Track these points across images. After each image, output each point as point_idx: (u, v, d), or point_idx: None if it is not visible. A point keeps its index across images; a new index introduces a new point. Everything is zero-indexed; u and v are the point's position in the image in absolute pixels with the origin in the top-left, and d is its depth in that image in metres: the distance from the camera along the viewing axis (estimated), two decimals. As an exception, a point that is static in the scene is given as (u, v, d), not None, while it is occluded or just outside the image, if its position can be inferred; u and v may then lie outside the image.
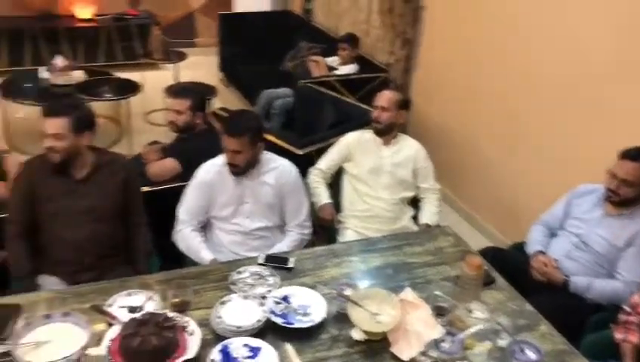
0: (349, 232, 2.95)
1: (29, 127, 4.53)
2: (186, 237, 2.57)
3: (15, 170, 2.72)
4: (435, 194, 3.06)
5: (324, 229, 3.02)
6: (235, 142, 2.43)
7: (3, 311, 1.92)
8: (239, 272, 2.19)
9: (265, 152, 2.61)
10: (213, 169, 2.59)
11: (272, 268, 2.23)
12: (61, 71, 4.64)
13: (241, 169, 2.51)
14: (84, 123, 2.34)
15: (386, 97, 3.00)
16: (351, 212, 3.01)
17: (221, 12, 6.13)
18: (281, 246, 2.58)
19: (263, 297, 2.03)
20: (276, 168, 2.61)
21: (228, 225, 2.62)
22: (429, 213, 2.99)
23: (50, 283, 2.38)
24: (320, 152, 3.26)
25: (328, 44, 5.18)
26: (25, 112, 4.52)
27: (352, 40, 4.81)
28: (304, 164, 3.05)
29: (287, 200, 2.62)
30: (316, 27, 5.86)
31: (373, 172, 2.99)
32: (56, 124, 2.27)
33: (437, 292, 2.05)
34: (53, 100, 2.70)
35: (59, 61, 4.74)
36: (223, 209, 2.60)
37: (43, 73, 4.67)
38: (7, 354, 1.71)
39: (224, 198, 2.58)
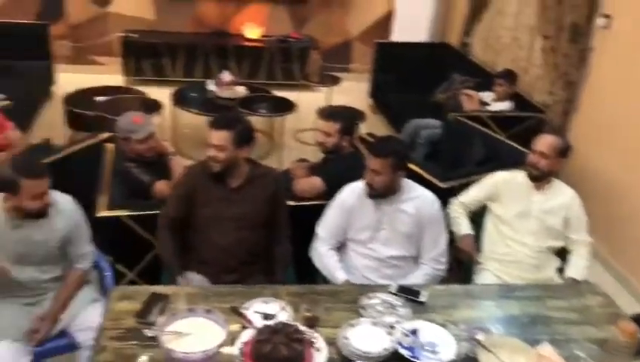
0: (487, 274, 2.82)
1: (193, 133, 4.95)
2: (322, 254, 2.63)
3: (178, 171, 2.98)
4: (585, 248, 2.84)
5: (460, 266, 2.93)
6: (378, 163, 2.45)
7: (153, 299, 2.11)
8: (370, 298, 2.20)
9: (407, 180, 2.59)
10: (355, 192, 2.61)
11: (404, 299, 2.20)
12: (226, 85, 5.02)
13: (378, 192, 2.51)
14: (245, 137, 2.51)
15: (546, 143, 2.80)
16: (491, 253, 2.89)
17: (378, 40, 6.26)
18: (414, 279, 2.54)
19: (392, 327, 2.02)
20: (417, 197, 2.58)
21: (363, 249, 2.63)
22: (577, 267, 2.77)
23: (195, 279, 2.56)
24: (463, 188, 3.17)
25: (483, 79, 5.07)
26: (191, 120, 4.93)
27: (509, 76, 4.66)
28: (445, 198, 2.99)
29: (425, 231, 2.58)
30: (472, 61, 5.76)
31: (520, 216, 2.83)
32: (220, 136, 2.45)
33: (580, 354, 1.91)
34: (220, 114, 2.92)
35: (225, 76, 5.14)
36: (360, 232, 2.62)
37: (210, 86, 5.09)
38: (153, 338, 1.87)
39: (362, 222, 2.60)
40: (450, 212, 2.96)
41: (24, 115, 4.67)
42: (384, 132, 5.48)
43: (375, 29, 6.90)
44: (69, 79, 5.96)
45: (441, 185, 3.30)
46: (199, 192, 2.56)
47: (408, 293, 2.24)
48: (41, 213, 2.27)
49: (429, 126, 4.76)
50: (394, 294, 2.23)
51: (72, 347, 2.39)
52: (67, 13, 6.30)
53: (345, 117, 3.18)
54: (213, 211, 2.55)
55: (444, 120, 4.52)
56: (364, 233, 2.61)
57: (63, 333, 2.39)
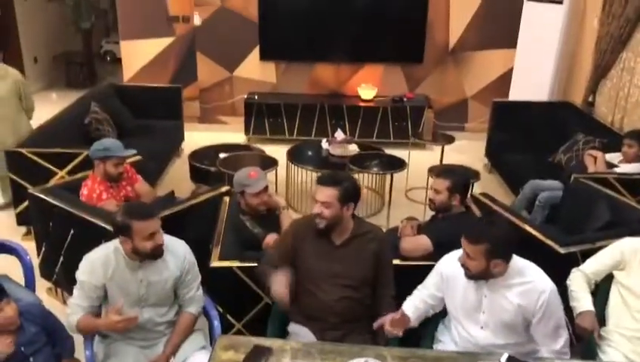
0: (614, 354, 2.53)
1: (306, 189, 5.10)
2: (404, 304, 2.53)
3: (287, 224, 3.06)
4: None
5: (580, 340, 2.68)
6: (470, 248, 2.25)
7: (257, 351, 2.14)
8: (478, 366, 2.07)
9: (517, 261, 2.33)
10: (452, 264, 2.44)
11: (515, 370, 2.05)
12: (339, 143, 5.15)
13: (472, 275, 2.32)
14: (351, 194, 2.53)
15: None
16: (617, 328, 2.61)
17: (496, 100, 6.15)
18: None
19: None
20: (524, 284, 2.30)
21: (460, 328, 2.46)
22: None
23: (300, 331, 2.58)
24: (585, 254, 2.94)
25: (609, 139, 4.76)
26: (305, 176, 5.09)
27: (640, 137, 4.34)
28: (564, 264, 2.79)
29: (537, 325, 2.31)
30: (597, 120, 5.45)
31: (651, 287, 2.56)
32: (327, 193, 2.50)
33: None
34: (327, 171, 2.99)
35: (338, 135, 5.29)
36: (456, 308, 2.46)
37: (324, 144, 5.25)
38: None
39: (458, 298, 2.43)
40: (570, 284, 2.67)
41: (156, 169, 5.09)
42: (499, 192, 5.30)
43: (492, 88, 6.80)
44: (196, 137, 6.44)
45: (561, 250, 3.09)
46: (304, 246, 2.60)
47: (520, 365, 2.09)
48: (156, 254, 2.42)
49: (549, 187, 4.52)
50: (504, 365, 2.08)
51: (180, 392, 2.47)
52: (199, 77, 6.86)
53: (455, 174, 3.13)
54: (317, 266, 2.57)
55: (565, 181, 4.28)
56: (460, 311, 2.44)
57: (172, 377, 2.49)
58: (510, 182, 5.40)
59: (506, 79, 6.59)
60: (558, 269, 2.48)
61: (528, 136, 5.61)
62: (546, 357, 2.28)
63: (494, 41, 6.67)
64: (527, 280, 2.31)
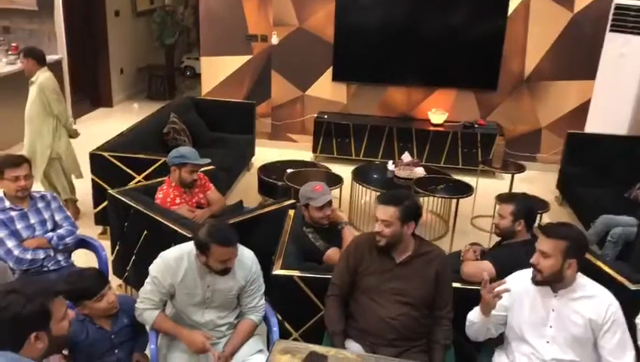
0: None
1: (368, 208, 5.13)
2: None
3: (349, 240, 3.10)
4: None
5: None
6: (548, 244, 2.30)
7: (312, 358, 2.19)
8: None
9: (583, 277, 2.37)
10: (520, 281, 2.46)
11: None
12: (406, 165, 5.16)
13: (544, 278, 2.33)
14: (411, 214, 2.56)
15: None
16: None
17: (570, 131, 5.98)
18: None
19: None
20: (591, 298, 2.32)
21: (523, 347, 2.43)
22: None
23: (353, 348, 2.60)
24: (658, 293, 2.83)
25: (692, 177, 4.54)
26: (368, 196, 5.13)
27: None
28: (636, 301, 2.68)
29: (604, 339, 2.29)
30: (679, 157, 5.20)
31: None
32: (387, 212, 2.54)
33: None
34: (389, 190, 3.03)
35: (405, 157, 5.30)
36: (521, 325, 2.42)
37: (390, 165, 5.28)
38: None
39: (524, 314, 2.42)
40: (639, 323, 2.61)
41: (227, 179, 5.27)
42: (569, 226, 5.13)
43: (568, 119, 6.61)
44: (265, 152, 6.62)
45: (632, 287, 2.97)
46: (364, 263, 2.64)
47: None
48: (224, 273, 2.52)
49: (623, 223, 4.35)
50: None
51: (236, 393, 2.55)
52: (272, 94, 7.07)
53: (520, 201, 3.08)
54: (377, 282, 2.60)
55: (640, 218, 4.11)
56: (526, 327, 2.41)
57: (229, 378, 2.57)
58: (582, 215, 5.22)
59: (582, 111, 6.41)
60: (629, 307, 2.40)
61: (603, 170, 5.41)
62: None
63: (572, 71, 6.51)
64: (592, 293, 2.33)
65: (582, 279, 2.36)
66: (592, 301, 2.32)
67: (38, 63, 4.64)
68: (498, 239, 3.19)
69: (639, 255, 3.81)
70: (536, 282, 2.35)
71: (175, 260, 2.55)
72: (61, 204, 3.37)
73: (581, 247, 2.33)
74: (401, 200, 2.57)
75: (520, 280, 2.46)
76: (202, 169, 3.92)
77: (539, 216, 4.35)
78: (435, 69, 6.75)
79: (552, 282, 2.33)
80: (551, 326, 2.36)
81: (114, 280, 3.84)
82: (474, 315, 2.50)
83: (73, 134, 4.92)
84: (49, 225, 3.24)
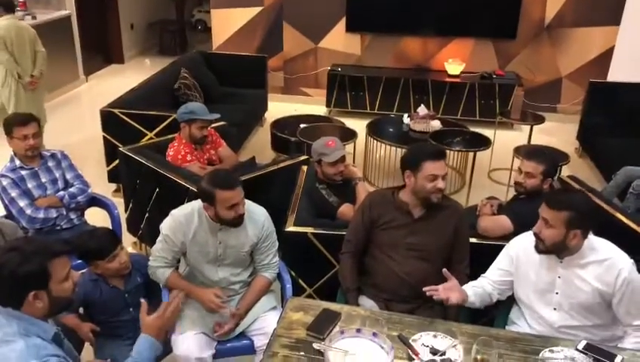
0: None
1: (383, 163, 5.05)
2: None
3: (363, 196, 3.04)
4: None
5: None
6: (551, 214, 2.16)
7: (325, 314, 2.16)
8: (552, 351, 2.00)
9: (592, 239, 2.22)
10: (523, 244, 2.35)
11: (593, 359, 1.96)
12: (421, 118, 5.04)
13: (545, 248, 2.21)
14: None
15: None
16: None
17: (593, 80, 5.78)
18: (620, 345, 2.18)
19: (575, 388, 1.80)
20: (601, 262, 2.19)
21: (530, 311, 2.35)
22: None
23: (367, 305, 2.58)
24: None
25: None
26: (384, 150, 5.04)
27: None
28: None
29: (619, 303, 2.19)
30: None
31: None
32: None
33: None
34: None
35: (421, 110, 5.17)
36: (527, 292, 2.34)
37: (405, 119, 5.16)
38: (319, 352, 1.92)
39: (529, 280, 2.33)
40: None
41: (239, 135, 5.20)
42: (589, 176, 5.02)
43: (590, 68, 6.39)
44: (278, 107, 6.52)
45: (654, 240, 2.89)
46: (381, 218, 2.58)
47: (599, 354, 1.98)
48: (236, 223, 2.49)
49: (646, 175, 4.23)
50: (581, 351, 1.99)
51: (250, 349, 2.55)
52: (284, 47, 6.92)
53: (550, 159, 2.96)
54: (393, 238, 2.55)
55: (664, 169, 3.99)
56: (530, 292, 2.33)
57: (243, 336, 2.57)
58: (602, 167, 5.09)
59: (605, 59, 6.18)
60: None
61: (626, 120, 5.25)
62: (628, 348, 2.14)
63: (595, 17, 6.24)
64: (603, 257, 2.20)
65: (593, 242, 2.22)
66: (602, 267, 2.19)
67: (4, 10, 4.80)
68: (515, 193, 3.10)
69: (662, 207, 3.70)
70: (539, 251, 2.24)
71: (185, 217, 2.52)
72: (72, 162, 3.34)
73: (586, 218, 2.16)
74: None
75: (522, 245, 2.37)
76: (213, 125, 3.85)
77: (559, 168, 4.24)
78: (451, 18, 6.52)
79: (556, 251, 2.22)
80: (557, 293, 2.27)
81: (128, 238, 3.85)
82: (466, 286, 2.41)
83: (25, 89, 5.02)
84: (60, 184, 3.23)
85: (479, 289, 2.40)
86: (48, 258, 1.70)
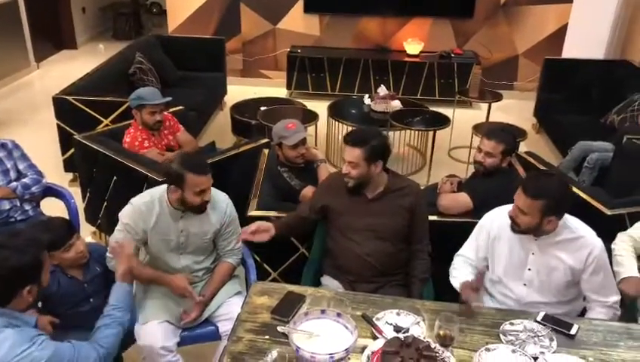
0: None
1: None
2: (459, 278, 2.47)
3: (324, 177, 3.04)
4: None
5: (624, 305, 2.60)
6: (526, 202, 2.15)
7: (289, 297, 2.16)
8: (512, 324, 2.04)
9: (566, 218, 2.25)
10: (497, 220, 2.37)
11: (551, 329, 2.01)
12: (382, 99, 5.05)
13: (520, 230, 2.24)
14: (377, 153, 2.48)
15: None
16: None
17: (548, 57, 5.89)
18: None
19: (535, 358, 1.86)
20: (574, 241, 2.23)
21: (501, 287, 2.39)
22: None
23: (332, 284, 2.59)
24: (632, 216, 2.84)
25: (669, 100, 4.52)
26: (345, 132, 5.02)
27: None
28: (611, 226, 2.70)
29: (587, 282, 2.25)
30: (656, 80, 5.16)
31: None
32: (353, 154, 2.47)
33: None
34: (355, 129, 2.94)
35: (381, 90, 5.18)
36: (500, 267, 2.37)
37: (366, 99, 5.16)
38: (284, 334, 1.92)
39: (503, 256, 2.35)
40: (615, 248, 2.55)
41: (198, 120, 5.12)
42: (546, 152, 5.14)
43: (545, 45, 6.51)
44: (238, 90, 6.44)
45: (608, 212, 2.99)
46: (335, 201, 2.59)
47: (557, 324, 2.04)
48: (199, 209, 2.45)
49: (599, 149, 4.34)
50: (540, 323, 2.05)
51: (215, 335, 2.53)
52: (242, 29, 6.81)
53: (509, 138, 2.99)
54: (350, 220, 2.57)
55: (617, 143, 4.10)
56: (504, 269, 2.35)
57: (208, 322, 2.55)
58: (558, 142, 5.22)
59: (560, 36, 6.30)
60: (605, 232, 2.38)
61: (581, 96, 5.38)
62: (585, 318, 2.22)
63: (550, -6, 6.35)
64: (577, 235, 2.24)
65: (568, 220, 2.26)
66: (575, 244, 2.23)
67: None
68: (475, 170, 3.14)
69: (615, 181, 3.82)
70: (515, 231, 2.26)
71: (146, 205, 2.47)
72: (24, 151, 3.23)
73: (562, 204, 2.18)
74: (366, 140, 2.47)
75: (496, 221, 2.38)
76: (171, 110, 3.78)
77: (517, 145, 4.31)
78: (409, -3, 6.53)
79: (531, 233, 2.25)
80: (529, 269, 2.31)
81: (87, 228, 3.76)
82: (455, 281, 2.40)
83: None
84: (12, 175, 3.11)
85: (470, 273, 2.40)
86: (41, 249, 1.67)
